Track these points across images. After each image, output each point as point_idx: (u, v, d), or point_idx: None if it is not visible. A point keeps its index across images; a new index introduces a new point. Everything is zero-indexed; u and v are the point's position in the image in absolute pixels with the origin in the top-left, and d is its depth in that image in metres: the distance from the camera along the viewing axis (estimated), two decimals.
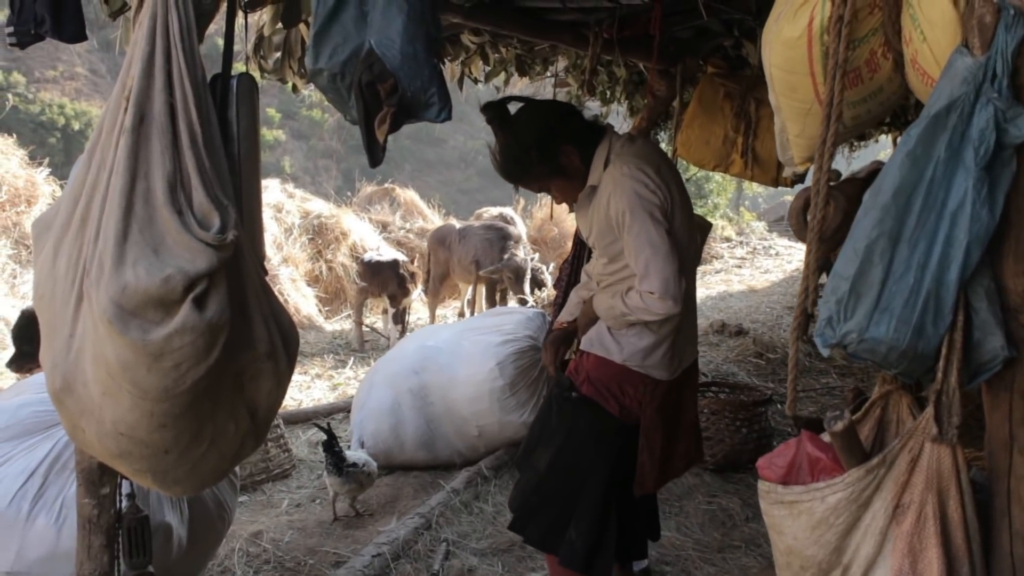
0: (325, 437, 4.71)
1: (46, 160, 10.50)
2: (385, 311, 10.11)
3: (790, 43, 2.12)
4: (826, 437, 1.98)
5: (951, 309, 1.77)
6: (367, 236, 13.01)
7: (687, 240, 3.08)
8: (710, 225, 3.51)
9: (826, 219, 2.01)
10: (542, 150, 3.04)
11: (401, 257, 10.13)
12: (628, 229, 2.92)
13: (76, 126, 27.47)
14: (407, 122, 2.27)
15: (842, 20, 1.92)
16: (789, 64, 2.15)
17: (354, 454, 4.80)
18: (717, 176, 18.29)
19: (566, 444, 3.14)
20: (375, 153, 2.29)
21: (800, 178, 5.53)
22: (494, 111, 3.07)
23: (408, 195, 16.12)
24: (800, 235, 2.15)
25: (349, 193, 17.15)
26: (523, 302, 9.31)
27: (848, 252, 1.82)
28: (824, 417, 1.91)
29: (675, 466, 3.30)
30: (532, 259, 9.80)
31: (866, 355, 1.83)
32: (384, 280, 9.48)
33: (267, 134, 34.29)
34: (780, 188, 6.20)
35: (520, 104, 3.19)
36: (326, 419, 6.62)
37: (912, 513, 1.84)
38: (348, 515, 4.81)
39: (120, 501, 2.70)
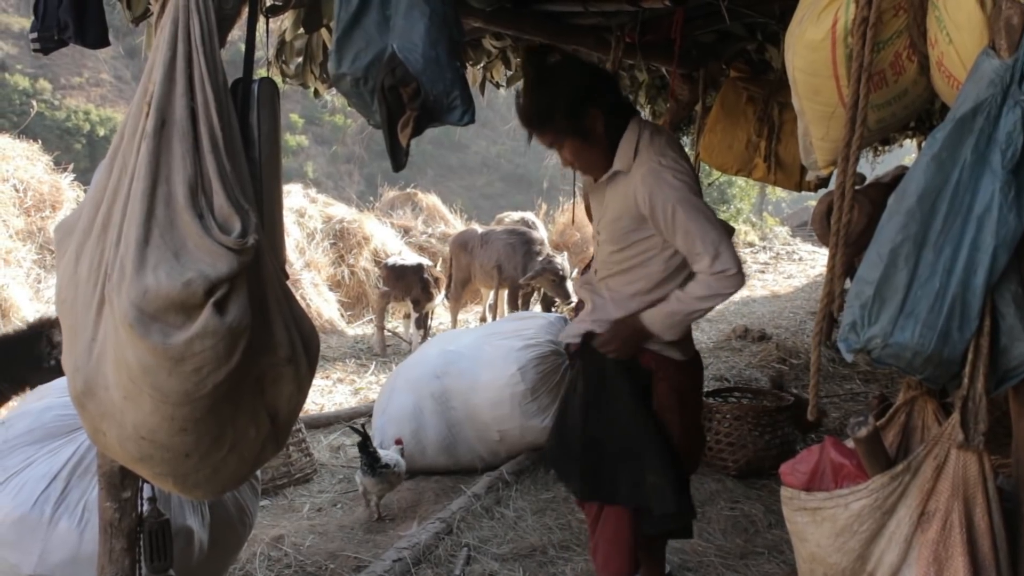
0: (347, 441, 4.73)
1: (71, 166, 10.57)
2: (406, 316, 10.10)
3: (813, 45, 2.10)
4: (850, 443, 1.96)
5: (977, 314, 1.75)
6: (389, 241, 13.02)
7: None
8: (732, 230, 3.51)
9: (850, 223, 1.99)
10: (570, 107, 2.97)
11: (425, 261, 10.11)
12: (686, 217, 2.89)
13: (101, 132, 27.62)
14: (430, 126, 2.27)
15: (867, 22, 1.90)
16: (812, 67, 2.13)
17: (386, 454, 4.80)
18: (740, 181, 18.22)
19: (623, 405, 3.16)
20: (398, 157, 2.29)
21: (823, 182, 5.50)
22: (536, 56, 3.07)
23: (430, 200, 16.13)
24: (823, 239, 2.13)
25: (371, 198, 17.19)
26: (548, 308, 9.30)
27: (872, 256, 1.81)
28: (847, 423, 1.89)
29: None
30: (556, 259, 9.68)
31: (891, 360, 1.81)
32: (408, 284, 9.46)
33: (290, 139, 34.43)
34: (803, 193, 6.16)
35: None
36: (352, 422, 6.65)
37: (938, 521, 1.82)
38: (371, 519, 4.81)
39: (141, 505, 2.71)
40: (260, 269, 2.32)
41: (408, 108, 2.19)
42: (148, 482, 2.61)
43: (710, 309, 3.03)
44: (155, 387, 2.17)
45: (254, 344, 2.27)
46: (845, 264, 2.08)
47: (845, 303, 1.88)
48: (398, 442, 5.07)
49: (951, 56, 1.89)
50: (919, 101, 2.14)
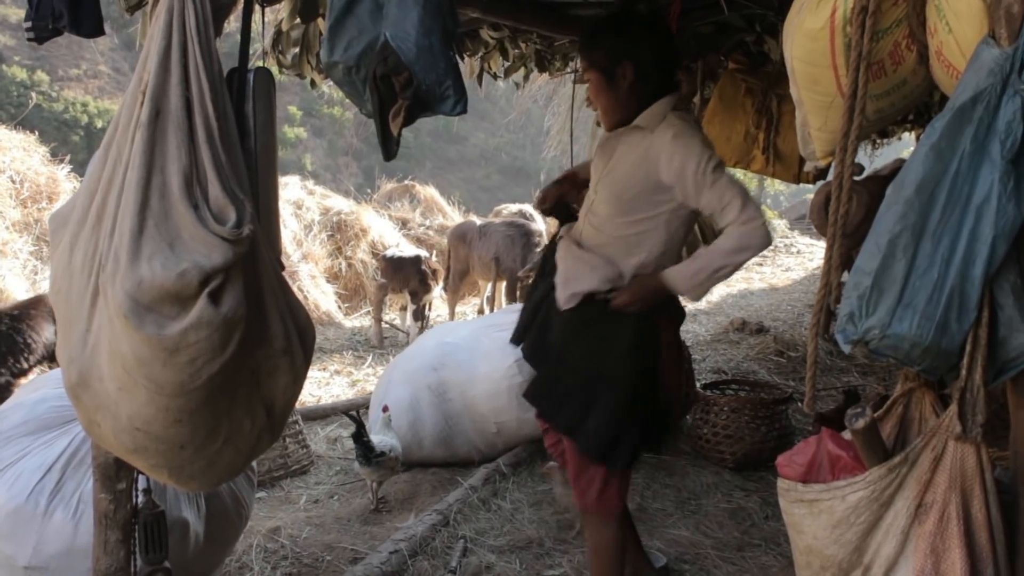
0: (344, 433, 4.72)
1: (67, 157, 10.55)
2: (403, 308, 10.08)
3: (812, 35, 2.09)
4: (847, 435, 1.96)
5: (976, 305, 1.74)
6: (387, 233, 13.00)
7: None
8: None
9: (848, 214, 1.98)
10: (613, 49, 3.03)
11: (423, 253, 10.09)
12: (713, 171, 2.89)
13: (99, 124, 27.59)
14: (422, 115, 2.26)
15: (866, 11, 1.88)
16: (811, 56, 2.12)
17: (380, 440, 4.80)
18: (739, 173, 18.22)
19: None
20: (389, 146, 2.27)
21: (822, 174, 5.49)
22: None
23: (428, 192, 16.10)
24: (821, 230, 2.12)
25: (369, 190, 17.16)
26: None
27: (870, 247, 1.80)
28: (845, 413, 1.88)
29: None
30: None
31: (888, 352, 1.80)
32: (406, 276, 9.43)
33: (288, 132, 34.39)
34: (802, 186, 6.15)
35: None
36: (349, 412, 6.66)
37: (935, 513, 1.81)
38: (368, 508, 4.81)
39: (136, 496, 2.70)
40: (255, 260, 2.31)
41: (400, 97, 2.17)
42: (143, 474, 2.60)
43: (738, 267, 2.95)
44: (150, 378, 2.16)
45: (249, 335, 2.26)
46: (844, 256, 2.06)
47: (843, 294, 1.87)
48: (384, 409, 5.06)
49: (950, 45, 1.87)
50: (918, 91, 2.12)
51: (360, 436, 4.70)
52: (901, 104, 2.14)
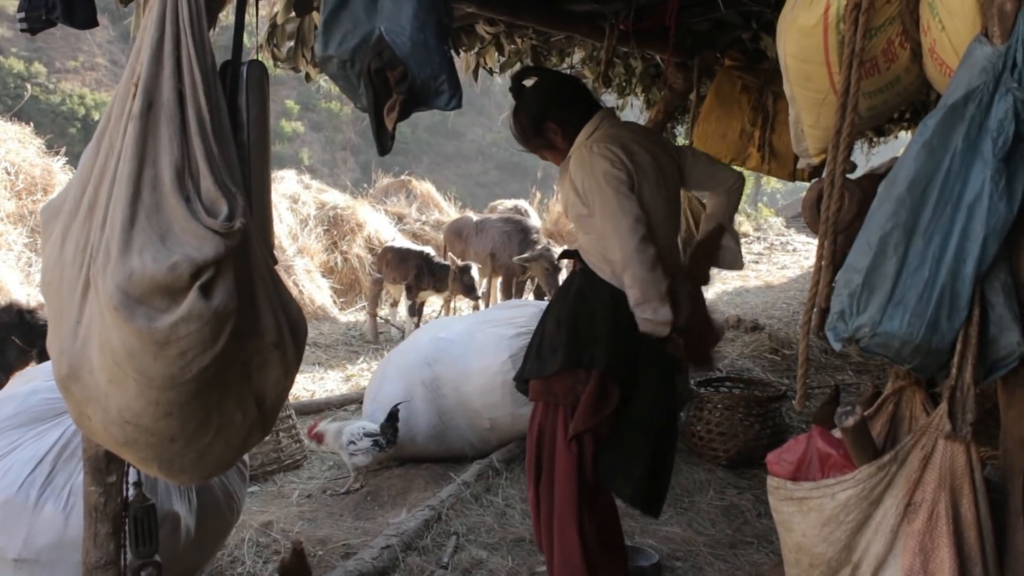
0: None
1: (63, 149, 10.53)
2: (394, 303, 10.05)
3: (805, 31, 2.08)
4: (837, 433, 1.95)
5: (967, 303, 1.74)
6: (382, 228, 12.98)
7: (664, 212, 3.32)
8: (740, 176, 3.63)
9: (841, 211, 1.97)
10: (533, 124, 3.40)
11: (428, 250, 9.98)
12: (600, 207, 3.13)
13: (96, 116, 27.51)
14: (417, 110, 2.25)
15: (859, 8, 1.88)
16: (804, 53, 2.11)
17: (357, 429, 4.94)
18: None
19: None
20: (384, 141, 2.27)
21: (817, 171, 5.46)
22: (515, 83, 3.49)
23: (424, 187, 16.09)
24: (813, 227, 2.11)
25: (366, 185, 17.14)
26: (540, 297, 9.23)
27: (861, 244, 1.79)
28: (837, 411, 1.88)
29: None
30: (555, 248, 9.58)
31: (879, 350, 1.79)
32: (406, 270, 9.34)
33: (285, 126, 34.34)
34: (798, 184, 6.15)
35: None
36: (340, 409, 6.68)
37: (924, 511, 1.81)
38: (359, 503, 4.83)
39: (127, 489, 2.69)
40: (247, 253, 2.29)
41: (395, 92, 2.17)
42: (133, 466, 2.59)
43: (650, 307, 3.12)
44: (140, 371, 2.15)
45: (240, 329, 2.25)
46: (840, 254, 2.06)
47: (834, 292, 1.86)
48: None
49: (943, 43, 1.87)
50: (911, 89, 2.12)
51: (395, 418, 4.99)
52: (894, 102, 2.13)
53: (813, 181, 6.09)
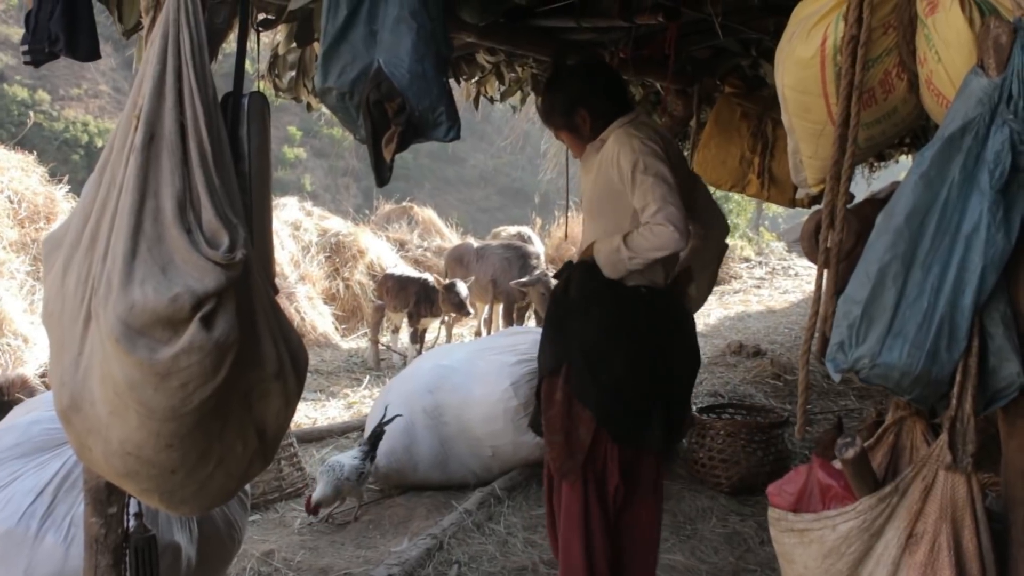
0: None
1: (66, 177, 10.54)
2: (395, 330, 10.04)
3: (803, 63, 2.10)
4: (838, 464, 1.95)
5: (966, 334, 1.74)
6: (384, 254, 12.98)
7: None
8: (727, 228, 3.68)
9: (839, 242, 1.98)
10: (565, 106, 3.44)
11: (427, 276, 9.96)
12: (644, 171, 3.15)
13: (100, 143, 27.57)
14: (415, 141, 2.26)
15: (856, 40, 1.89)
16: (802, 84, 2.12)
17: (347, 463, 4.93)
18: (737, 196, 18.23)
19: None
20: (382, 172, 2.28)
21: (816, 199, 5.49)
22: (555, 59, 3.74)
23: (426, 213, 16.10)
24: (811, 257, 2.12)
25: (368, 211, 17.16)
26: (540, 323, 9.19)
27: (860, 275, 1.80)
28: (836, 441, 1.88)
29: None
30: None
31: (878, 381, 1.79)
32: (407, 297, 9.32)
33: (288, 152, 34.43)
34: (799, 209, 6.15)
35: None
36: (342, 436, 6.67)
37: (926, 543, 1.80)
38: (361, 532, 4.81)
39: (128, 520, 2.69)
40: (248, 284, 2.30)
41: (393, 123, 2.18)
42: (134, 497, 2.59)
43: (647, 261, 3.19)
44: (141, 402, 2.16)
45: (242, 359, 2.25)
46: (840, 282, 2.07)
47: (833, 323, 1.87)
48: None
49: (940, 74, 1.88)
50: (908, 119, 2.13)
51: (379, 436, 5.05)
52: (892, 132, 2.14)
53: (812, 211, 6.13)
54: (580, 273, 3.39)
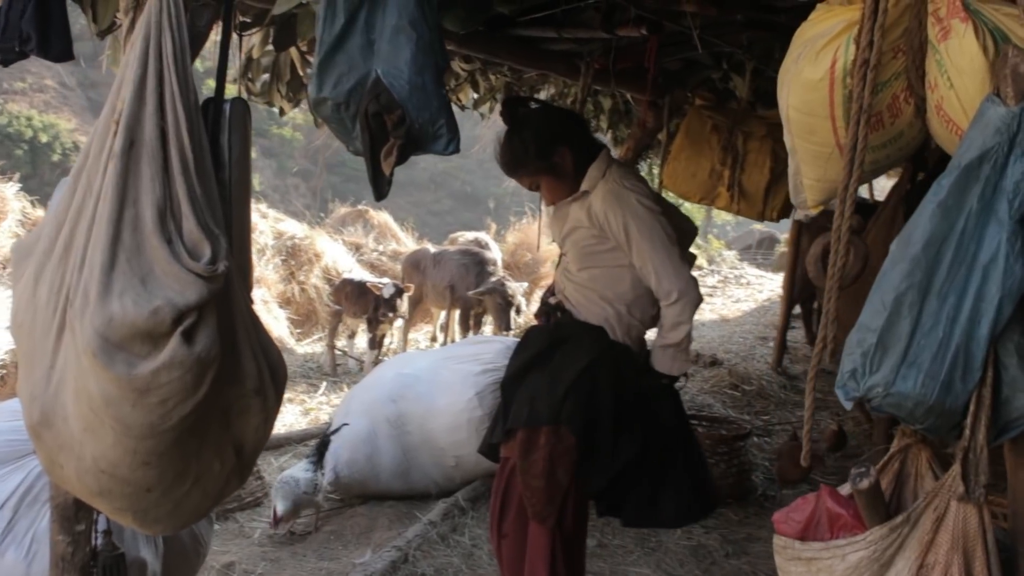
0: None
1: (16, 175, 10.30)
2: (351, 336, 9.94)
3: (811, 85, 2.07)
4: (844, 489, 1.93)
5: (981, 365, 1.72)
6: (340, 258, 12.87)
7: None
8: (694, 258, 3.63)
9: (846, 266, 1.96)
10: (540, 148, 3.21)
11: (392, 281, 9.83)
12: (651, 239, 3.10)
13: (44, 139, 27.11)
14: (414, 154, 2.21)
15: (867, 64, 1.87)
16: (808, 106, 2.10)
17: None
18: (687, 203, 18.31)
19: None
20: (381, 185, 2.22)
21: (784, 213, 5.53)
22: (511, 105, 3.39)
23: (382, 217, 16.00)
24: (818, 282, 2.09)
25: (321, 214, 17.02)
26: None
27: (875, 303, 1.78)
28: (848, 473, 1.85)
29: None
30: (510, 283, 9.51)
31: (891, 410, 1.77)
32: (366, 303, 9.20)
33: None
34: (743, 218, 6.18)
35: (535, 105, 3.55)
36: (300, 444, 6.57)
37: (937, 573, 1.79)
38: (322, 543, 4.73)
39: (96, 538, 2.60)
40: (229, 297, 2.24)
41: (392, 136, 2.12)
42: (103, 514, 2.50)
43: (691, 323, 3.23)
44: (117, 419, 2.08)
45: (222, 375, 2.19)
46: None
47: (845, 351, 1.84)
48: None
49: (951, 101, 1.86)
50: (913, 144, 2.11)
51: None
52: (896, 156, 2.12)
53: (784, 223, 6.17)
54: (581, 331, 3.29)
